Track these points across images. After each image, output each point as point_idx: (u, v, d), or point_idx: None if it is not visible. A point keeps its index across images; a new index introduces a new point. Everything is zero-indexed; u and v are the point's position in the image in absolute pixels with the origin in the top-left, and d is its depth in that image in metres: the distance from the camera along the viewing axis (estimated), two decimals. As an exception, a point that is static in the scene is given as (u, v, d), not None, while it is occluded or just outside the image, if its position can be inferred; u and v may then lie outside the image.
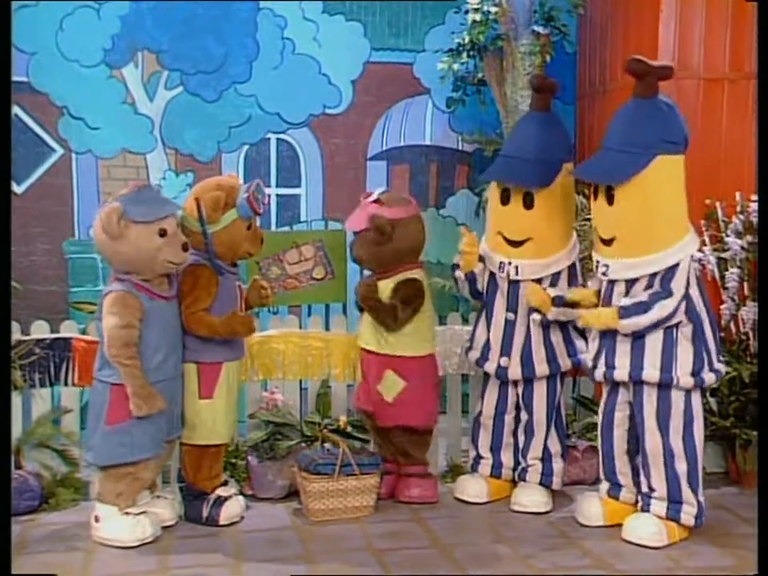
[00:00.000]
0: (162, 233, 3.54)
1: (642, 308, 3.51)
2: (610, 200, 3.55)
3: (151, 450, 3.60)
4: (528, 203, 3.89)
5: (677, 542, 3.61)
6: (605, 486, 3.83)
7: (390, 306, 3.95)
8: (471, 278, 4.07)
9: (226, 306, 3.74)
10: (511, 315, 3.98)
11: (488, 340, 4.05)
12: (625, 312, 3.53)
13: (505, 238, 3.95)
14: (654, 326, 3.53)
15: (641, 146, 3.50)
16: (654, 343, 3.57)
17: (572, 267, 4.01)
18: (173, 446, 3.82)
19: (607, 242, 3.60)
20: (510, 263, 3.92)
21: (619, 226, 3.55)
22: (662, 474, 3.62)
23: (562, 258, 3.98)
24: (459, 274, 4.08)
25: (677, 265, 3.53)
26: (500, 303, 4.01)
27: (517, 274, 3.92)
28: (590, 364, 3.77)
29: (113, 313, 3.49)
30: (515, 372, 3.99)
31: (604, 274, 3.62)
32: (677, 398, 3.60)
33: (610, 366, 3.64)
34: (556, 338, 4.02)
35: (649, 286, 3.55)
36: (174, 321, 3.67)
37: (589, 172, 3.71)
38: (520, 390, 4.06)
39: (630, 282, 3.59)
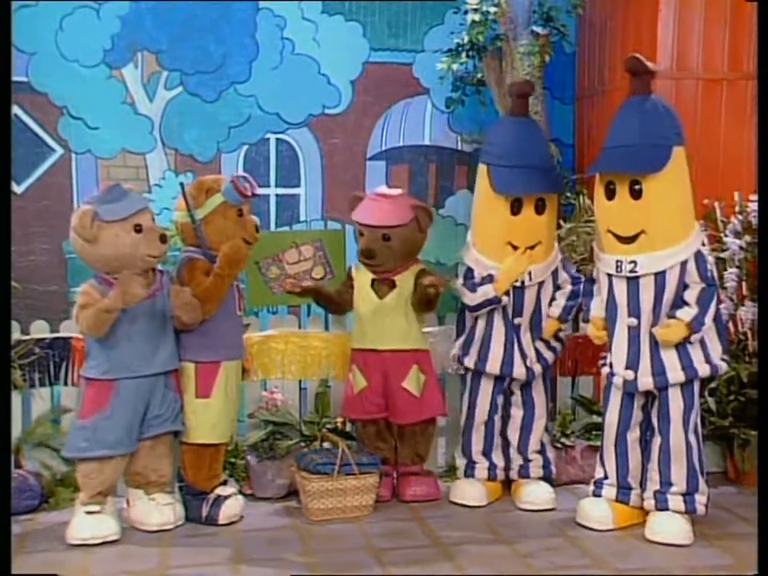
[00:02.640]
0: (138, 228, 3.57)
1: (700, 320, 3.55)
2: (637, 194, 3.51)
3: (113, 449, 3.60)
4: (540, 209, 3.90)
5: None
6: (611, 490, 3.81)
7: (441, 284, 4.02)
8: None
9: (223, 305, 3.75)
10: (519, 320, 4.01)
11: (509, 348, 4.02)
12: (696, 325, 3.54)
13: (514, 247, 3.92)
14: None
15: (662, 138, 3.51)
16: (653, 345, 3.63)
17: (562, 260, 4.13)
18: (162, 448, 3.78)
19: (630, 239, 3.55)
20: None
21: (649, 218, 3.52)
22: (683, 468, 3.65)
23: (555, 255, 4.07)
24: (505, 299, 3.95)
25: (699, 251, 3.59)
26: (509, 311, 3.99)
27: (531, 279, 3.95)
28: (627, 376, 3.69)
29: (79, 303, 3.58)
30: (538, 369, 4.07)
31: (632, 271, 3.55)
32: (696, 388, 3.67)
33: (659, 373, 3.61)
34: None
35: (681, 278, 3.57)
36: (147, 318, 3.63)
37: (623, 164, 3.50)
38: (516, 387, 4.09)
39: (660, 275, 3.56)
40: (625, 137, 3.54)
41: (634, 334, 3.64)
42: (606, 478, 3.83)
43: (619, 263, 3.58)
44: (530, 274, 3.93)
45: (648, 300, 3.59)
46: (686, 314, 3.56)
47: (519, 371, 4.01)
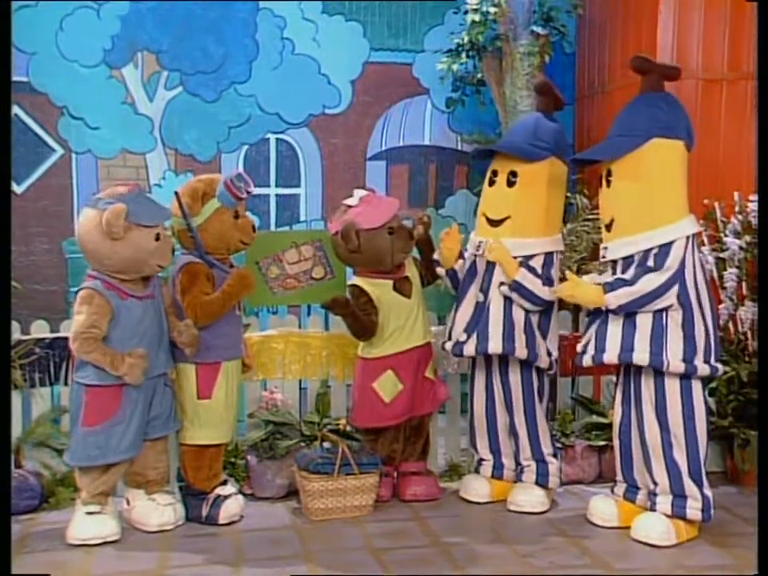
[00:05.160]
0: (158, 237, 3.58)
1: (628, 282, 3.56)
2: (608, 183, 3.65)
3: (127, 453, 3.61)
4: (511, 183, 3.92)
5: (685, 541, 3.60)
6: (621, 487, 3.82)
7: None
8: (451, 275, 4.15)
9: None
10: (481, 296, 3.97)
11: (454, 322, 4.04)
12: (609, 286, 3.57)
13: (487, 219, 3.99)
14: (642, 301, 3.53)
15: (637, 129, 3.60)
16: (643, 326, 3.56)
17: (549, 256, 3.98)
18: (162, 445, 3.81)
19: (608, 227, 3.68)
20: (487, 241, 3.93)
21: (616, 206, 3.65)
22: (662, 467, 3.62)
23: (541, 243, 3.96)
24: (441, 270, 4.17)
25: (671, 243, 3.54)
26: (473, 287, 4.01)
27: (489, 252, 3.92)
28: (579, 350, 3.76)
29: (80, 312, 3.54)
30: (470, 348, 3.92)
31: (603, 256, 3.69)
32: (672, 386, 3.58)
33: (600, 350, 3.62)
34: (517, 321, 3.92)
35: (641, 264, 3.57)
36: (151, 320, 3.64)
37: (583, 154, 3.82)
38: (500, 388, 4.05)
39: (627, 261, 3.61)
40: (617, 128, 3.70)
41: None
42: (617, 476, 3.85)
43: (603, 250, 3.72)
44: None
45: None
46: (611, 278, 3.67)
47: (469, 349, 3.93)
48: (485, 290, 3.96)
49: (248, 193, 3.78)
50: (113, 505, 3.70)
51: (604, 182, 3.68)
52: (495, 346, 3.87)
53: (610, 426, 4.29)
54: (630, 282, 3.54)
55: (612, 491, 3.87)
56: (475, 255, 4.01)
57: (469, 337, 3.94)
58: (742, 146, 4.75)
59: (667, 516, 3.60)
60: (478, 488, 4.11)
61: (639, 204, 3.58)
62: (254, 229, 3.87)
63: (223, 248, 3.79)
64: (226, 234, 3.76)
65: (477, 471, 4.21)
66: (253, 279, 3.82)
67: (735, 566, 3.40)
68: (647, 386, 3.62)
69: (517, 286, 3.86)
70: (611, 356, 3.60)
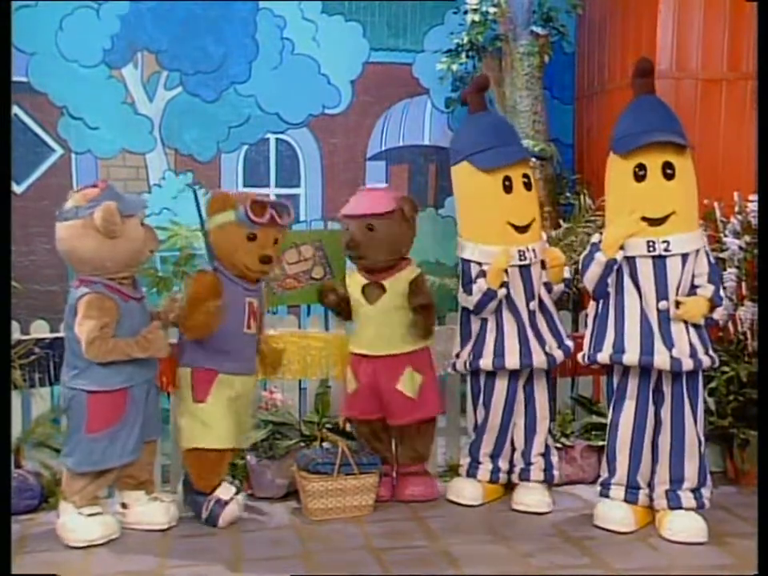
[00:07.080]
0: (142, 224, 3.59)
1: (719, 295, 3.65)
2: (670, 176, 3.58)
3: (131, 456, 3.60)
4: (528, 186, 3.94)
5: None
6: (619, 490, 3.77)
7: (432, 306, 3.99)
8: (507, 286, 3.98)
9: (228, 318, 3.68)
10: (533, 304, 3.97)
11: (523, 338, 3.94)
12: (718, 300, 3.64)
13: (514, 226, 3.91)
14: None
15: (681, 130, 3.62)
16: (684, 330, 3.63)
17: None
18: (153, 447, 3.81)
19: (660, 221, 3.59)
20: (528, 248, 3.90)
21: (680, 199, 3.61)
22: (696, 462, 3.67)
23: (543, 241, 4.09)
24: (503, 291, 3.87)
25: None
26: (519, 298, 3.94)
27: (536, 256, 3.93)
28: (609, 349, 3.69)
29: (90, 316, 3.45)
30: (559, 355, 4.01)
31: (666, 250, 3.58)
32: (699, 382, 3.70)
33: (647, 353, 3.59)
34: (551, 324, 4.07)
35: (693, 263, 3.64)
36: (144, 322, 3.61)
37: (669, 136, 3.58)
38: (520, 388, 4.04)
39: (684, 257, 3.61)
40: (653, 122, 3.58)
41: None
42: (613, 479, 3.79)
43: (651, 244, 3.59)
44: (533, 251, 3.92)
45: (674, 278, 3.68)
46: (704, 291, 3.65)
47: (539, 359, 3.93)
48: (534, 297, 3.96)
49: (273, 220, 3.65)
50: (105, 506, 3.70)
51: (657, 174, 3.56)
52: (571, 345, 4.04)
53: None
54: (721, 297, 3.66)
55: (608, 495, 3.79)
56: (517, 266, 3.89)
57: (551, 346, 3.98)
58: (742, 146, 4.76)
59: (691, 509, 3.64)
60: (471, 491, 4.05)
61: (694, 199, 3.68)
62: (266, 261, 3.70)
63: (228, 262, 3.70)
64: (232, 248, 3.68)
65: (470, 475, 4.13)
66: (197, 326, 3.63)
67: (735, 566, 3.39)
68: (686, 386, 3.65)
69: (567, 283, 4.06)
70: (661, 361, 3.58)
